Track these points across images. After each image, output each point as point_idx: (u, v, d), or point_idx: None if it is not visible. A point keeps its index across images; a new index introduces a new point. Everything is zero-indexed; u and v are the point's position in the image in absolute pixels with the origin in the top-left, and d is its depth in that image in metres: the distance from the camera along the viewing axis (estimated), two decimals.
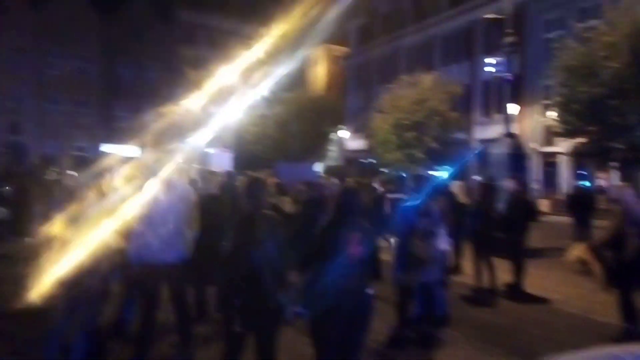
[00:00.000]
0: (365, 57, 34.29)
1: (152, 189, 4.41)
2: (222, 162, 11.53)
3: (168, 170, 4.62)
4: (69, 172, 10.68)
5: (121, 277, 4.60)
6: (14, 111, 32.44)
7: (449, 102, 22.19)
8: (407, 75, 24.36)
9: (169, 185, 4.48)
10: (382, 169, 25.75)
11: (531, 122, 22.65)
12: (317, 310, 3.42)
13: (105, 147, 31.04)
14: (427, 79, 22.72)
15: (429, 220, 4.98)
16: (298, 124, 30.82)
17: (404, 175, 15.84)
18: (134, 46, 34.62)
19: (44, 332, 4.46)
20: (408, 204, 5.10)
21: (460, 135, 23.54)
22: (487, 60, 21.63)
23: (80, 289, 4.12)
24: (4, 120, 31.67)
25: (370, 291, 3.50)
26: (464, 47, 26.48)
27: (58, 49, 33.40)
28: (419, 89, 22.42)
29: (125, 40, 34.58)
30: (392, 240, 5.54)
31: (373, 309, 3.55)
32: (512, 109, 17.84)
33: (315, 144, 31.57)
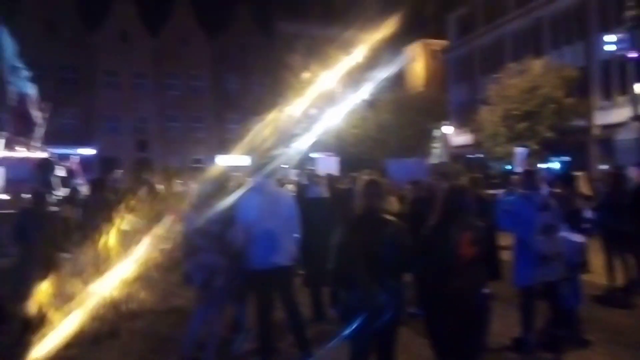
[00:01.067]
0: (467, 48, 32.98)
1: (253, 194, 4.56)
2: (328, 165, 11.74)
3: (270, 175, 4.82)
4: (190, 182, 11.63)
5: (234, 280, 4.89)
6: (141, 130, 36.00)
7: (563, 88, 20.54)
8: (514, 62, 23.00)
9: (269, 190, 4.61)
10: (491, 164, 24.59)
11: None
12: (431, 311, 3.38)
13: (219, 158, 33.21)
14: (537, 65, 21.25)
15: (549, 214, 4.67)
16: (399, 123, 30.48)
17: (513, 169, 14.99)
18: (239, 60, 36.72)
19: (181, 331, 4.89)
20: (524, 198, 4.83)
21: (579, 123, 21.68)
22: (606, 37, 19.66)
23: (212, 289, 4.46)
24: (133, 139, 35.25)
25: (486, 291, 3.38)
26: (577, 27, 24.35)
27: (174, 71, 36.52)
28: (529, 76, 21.03)
29: (231, 56, 36.80)
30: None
31: (490, 309, 3.42)
32: (638, 89, 16.09)
33: (418, 142, 30.98)
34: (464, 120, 32.58)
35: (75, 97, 32.16)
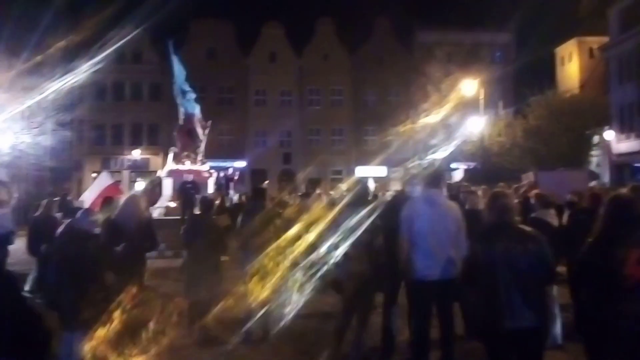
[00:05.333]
0: (633, 43, 29.21)
1: (422, 205, 4.52)
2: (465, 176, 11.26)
3: (438, 185, 4.75)
4: (331, 192, 12.12)
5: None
6: (286, 144, 38.43)
7: None
8: None
9: (438, 201, 4.54)
10: None
11: None
12: (593, 337, 3.08)
13: (358, 169, 33.91)
14: None
15: None
16: (551, 129, 28.05)
17: None
18: (377, 72, 37.17)
19: (325, 336, 5.07)
20: None
21: None
22: None
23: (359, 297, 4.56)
24: (279, 152, 37.70)
25: None
26: None
27: (316, 87, 38.40)
28: None
29: (370, 68, 37.43)
30: None
31: None
32: None
33: (573, 149, 28.13)
34: (629, 124, 28.89)
35: (229, 115, 35.40)
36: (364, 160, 34.12)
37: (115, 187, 8.86)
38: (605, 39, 32.96)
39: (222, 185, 16.43)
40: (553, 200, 6.16)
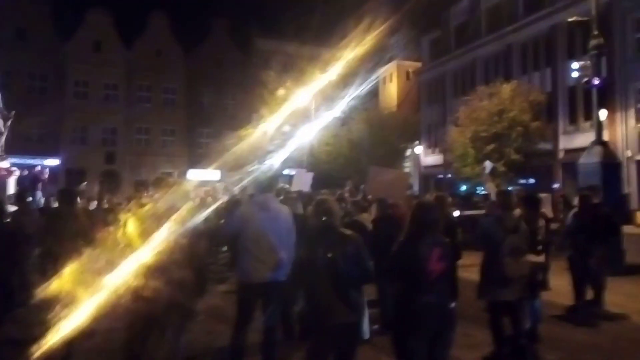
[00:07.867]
0: (439, 70, 33.75)
1: (254, 209, 4.53)
2: (303, 182, 11.63)
3: (270, 190, 4.78)
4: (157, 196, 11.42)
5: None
6: (109, 142, 35.32)
7: (530, 112, 21.14)
8: (484, 86, 23.59)
9: (270, 206, 4.59)
10: (462, 184, 25.01)
11: (623, 128, 20.98)
12: (400, 327, 3.37)
13: (191, 172, 32.78)
14: (506, 89, 21.84)
15: (518, 236, 4.75)
16: (371, 141, 30.78)
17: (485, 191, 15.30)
18: (214, 75, 36.58)
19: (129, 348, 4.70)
20: (496, 219, 4.89)
21: (544, 146, 22.30)
22: (572, 65, 20.43)
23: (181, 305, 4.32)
24: (101, 151, 34.48)
25: (453, 307, 3.43)
26: (545, 53, 25.24)
27: (147, 83, 36.11)
28: (498, 100, 21.58)
29: (207, 70, 36.65)
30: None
31: (455, 324, 3.46)
32: (602, 115, 16.66)
33: (389, 160, 31.27)
34: (434, 140, 33.20)
35: (42, 107, 31.29)
36: (197, 163, 33.18)
37: None
38: (419, 64, 37.43)
39: (27, 186, 14.27)
40: (368, 205, 6.70)
